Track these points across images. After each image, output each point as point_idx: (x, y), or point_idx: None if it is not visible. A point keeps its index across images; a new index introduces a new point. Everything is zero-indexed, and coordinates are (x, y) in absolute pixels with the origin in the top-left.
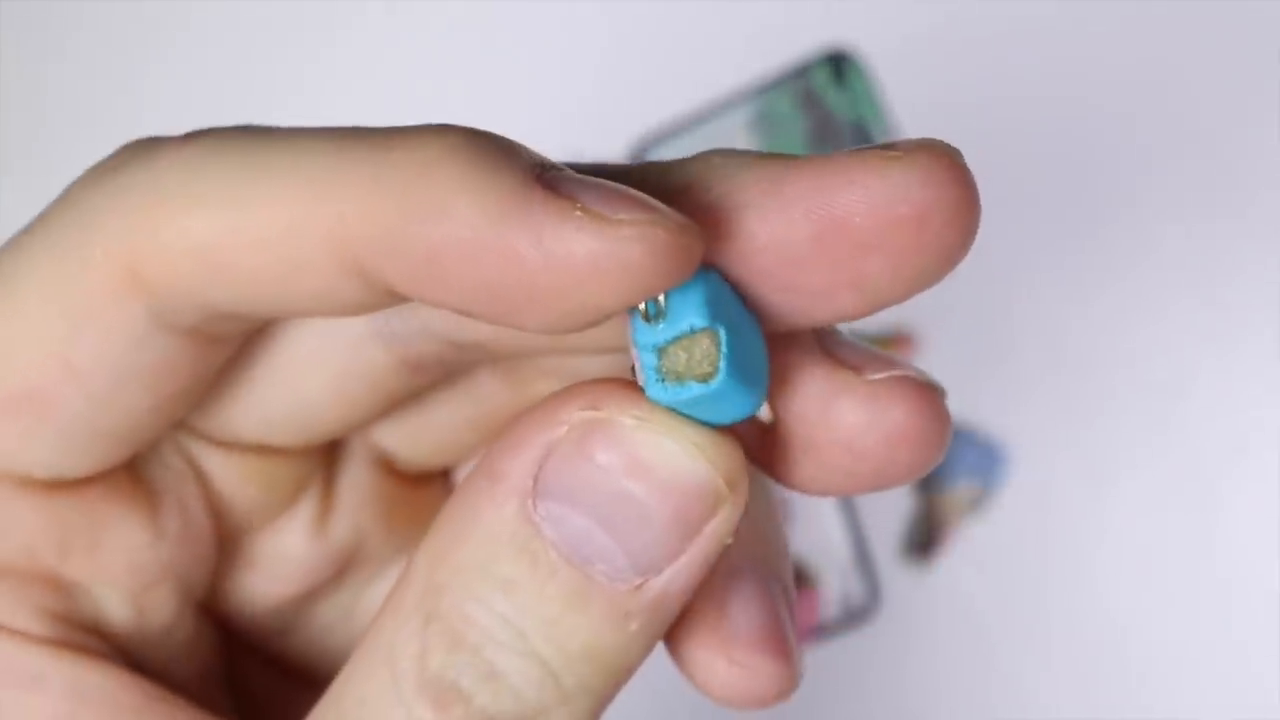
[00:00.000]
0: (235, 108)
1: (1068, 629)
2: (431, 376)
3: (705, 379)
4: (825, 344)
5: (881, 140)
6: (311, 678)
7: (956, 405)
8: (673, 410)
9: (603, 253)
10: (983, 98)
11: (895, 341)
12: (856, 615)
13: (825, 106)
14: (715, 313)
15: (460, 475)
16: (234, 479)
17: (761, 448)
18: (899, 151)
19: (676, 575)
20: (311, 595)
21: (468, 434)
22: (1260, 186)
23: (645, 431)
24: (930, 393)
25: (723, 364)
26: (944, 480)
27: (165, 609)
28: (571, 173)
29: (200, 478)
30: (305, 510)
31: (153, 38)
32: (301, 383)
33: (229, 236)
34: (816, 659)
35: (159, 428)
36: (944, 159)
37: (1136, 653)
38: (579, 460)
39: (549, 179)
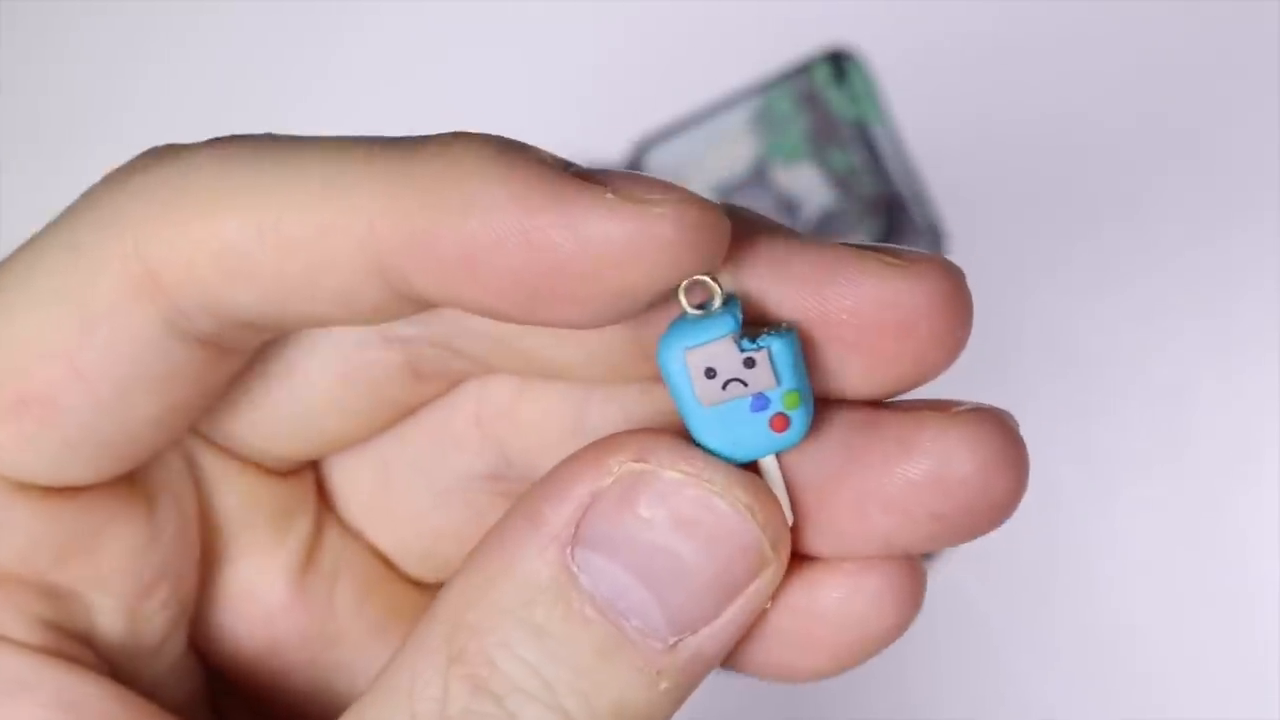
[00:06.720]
0: (233, 109)
1: (1069, 632)
2: (435, 387)
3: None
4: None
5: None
6: None
7: None
8: (721, 461)
9: (637, 232)
10: (984, 98)
11: None
12: None
13: (825, 106)
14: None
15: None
16: (226, 489)
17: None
18: (902, 260)
19: (712, 636)
20: (283, 654)
21: (461, 545)
22: (1265, 189)
23: (694, 488)
24: (1011, 424)
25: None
26: None
27: (156, 620)
28: (592, 168)
29: (197, 480)
30: (286, 556)
31: (154, 39)
32: (305, 385)
33: (256, 240)
34: None
35: (165, 439)
36: (945, 276)
37: (1139, 656)
38: (623, 512)
39: (576, 169)
